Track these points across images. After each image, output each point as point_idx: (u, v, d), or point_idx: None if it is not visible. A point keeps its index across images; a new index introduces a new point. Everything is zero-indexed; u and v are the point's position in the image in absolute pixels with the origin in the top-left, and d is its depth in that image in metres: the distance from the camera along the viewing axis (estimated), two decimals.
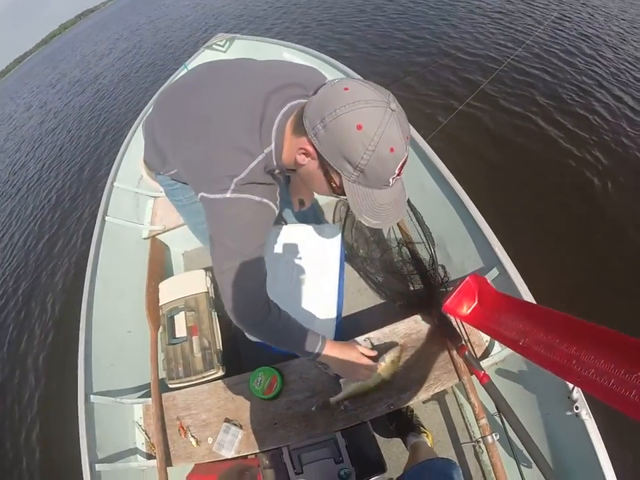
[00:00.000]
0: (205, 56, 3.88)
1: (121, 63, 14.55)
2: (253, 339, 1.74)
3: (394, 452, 1.94)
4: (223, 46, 3.89)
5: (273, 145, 1.02)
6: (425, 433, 1.82)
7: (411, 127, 2.09)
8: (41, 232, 5.88)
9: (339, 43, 7.08)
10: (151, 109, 1.37)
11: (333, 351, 1.33)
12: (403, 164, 0.89)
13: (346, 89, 0.83)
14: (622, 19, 5.82)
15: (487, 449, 1.51)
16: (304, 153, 0.95)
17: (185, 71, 3.58)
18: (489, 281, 1.27)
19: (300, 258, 1.92)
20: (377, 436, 1.62)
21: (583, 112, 4.09)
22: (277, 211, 1.11)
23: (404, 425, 1.85)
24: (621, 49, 5.08)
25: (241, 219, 1.03)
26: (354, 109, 0.81)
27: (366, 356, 1.47)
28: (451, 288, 1.77)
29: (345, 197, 0.94)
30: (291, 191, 1.75)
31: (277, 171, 1.12)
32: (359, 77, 0.89)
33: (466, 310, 1.36)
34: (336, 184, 0.96)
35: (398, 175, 0.90)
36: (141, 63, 12.82)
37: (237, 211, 1.02)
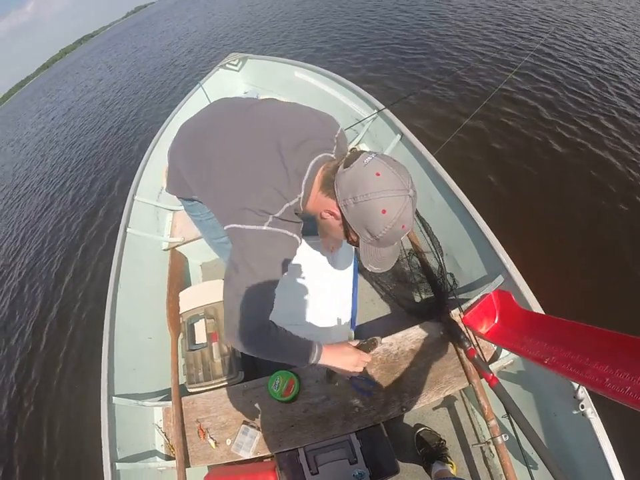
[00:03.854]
0: (219, 74, 4.05)
1: (130, 83, 14.94)
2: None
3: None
4: (236, 65, 4.04)
5: (302, 194, 1.14)
6: (450, 464, 1.84)
7: (420, 143, 2.21)
8: (70, 244, 6.05)
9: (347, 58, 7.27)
10: (175, 139, 1.42)
11: (328, 354, 1.35)
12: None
13: (377, 174, 0.97)
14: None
15: (496, 450, 1.55)
16: (330, 214, 1.11)
17: (200, 90, 3.75)
18: (512, 297, 1.31)
19: (316, 269, 2.00)
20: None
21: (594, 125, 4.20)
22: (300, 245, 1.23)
23: (432, 452, 1.88)
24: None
25: (275, 250, 1.13)
26: (382, 197, 0.96)
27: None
28: (465, 298, 1.85)
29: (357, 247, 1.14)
30: (319, 232, 1.86)
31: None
32: (382, 154, 1.01)
33: (486, 326, 1.37)
34: (352, 239, 1.13)
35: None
36: (150, 83, 13.13)
37: (273, 242, 1.11)
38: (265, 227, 1.08)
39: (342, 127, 1.33)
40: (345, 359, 1.38)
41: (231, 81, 4.23)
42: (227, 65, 4.05)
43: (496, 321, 1.34)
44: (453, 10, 7.89)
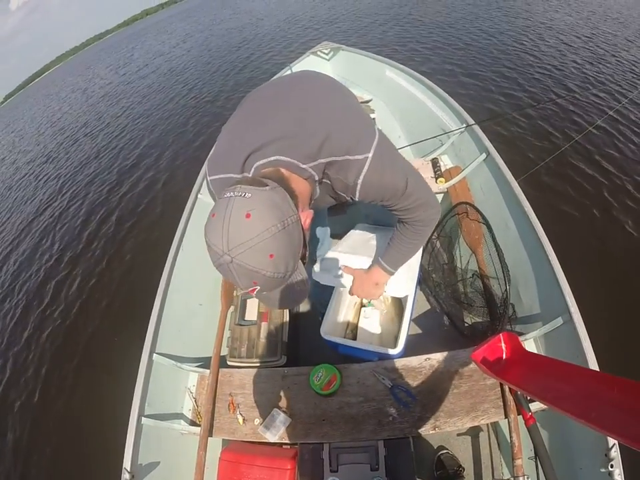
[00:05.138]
0: (309, 60, 4.12)
1: (203, 54, 15.27)
2: (328, 337, 1.85)
3: None
4: (327, 54, 4.09)
5: (250, 175, 1.00)
6: None
7: (506, 167, 2.19)
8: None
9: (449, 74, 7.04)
10: None
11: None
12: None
13: (213, 215, 0.78)
14: None
15: None
16: None
17: (289, 72, 3.81)
18: (519, 340, 1.34)
19: None
20: None
21: None
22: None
23: (448, 477, 1.87)
24: None
25: None
26: (206, 240, 0.79)
27: None
28: (520, 331, 1.85)
29: None
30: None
31: None
32: (251, 198, 0.77)
33: (492, 364, 1.41)
34: None
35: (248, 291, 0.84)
36: (222, 58, 13.31)
37: None
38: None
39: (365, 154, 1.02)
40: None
41: (320, 68, 4.19)
42: (319, 53, 4.10)
43: (503, 360, 1.37)
44: (555, 38, 7.63)
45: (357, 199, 1.12)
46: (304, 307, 2.65)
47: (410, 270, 1.92)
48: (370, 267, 1.62)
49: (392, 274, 1.52)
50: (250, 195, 0.77)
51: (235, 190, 0.79)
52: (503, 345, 1.38)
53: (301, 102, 1.05)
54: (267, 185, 0.82)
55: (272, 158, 0.96)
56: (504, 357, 1.36)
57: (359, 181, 1.04)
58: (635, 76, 5.72)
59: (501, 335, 1.35)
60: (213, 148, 1.15)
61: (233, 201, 0.76)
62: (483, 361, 1.36)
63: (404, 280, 1.80)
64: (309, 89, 1.11)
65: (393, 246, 1.43)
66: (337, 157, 1.00)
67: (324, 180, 1.09)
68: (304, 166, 0.99)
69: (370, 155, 1.01)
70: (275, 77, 3.84)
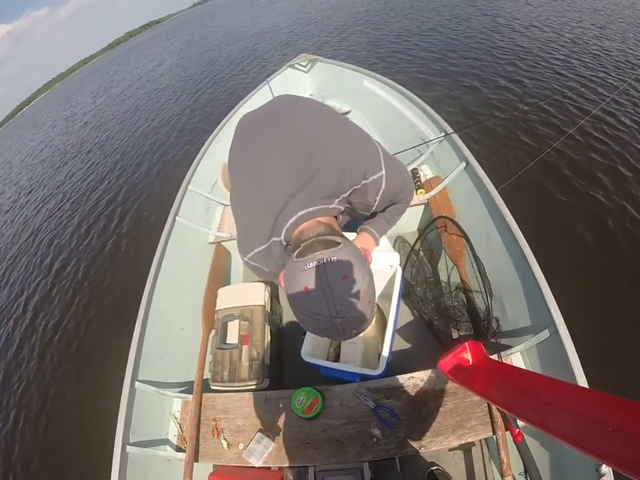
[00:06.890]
0: (287, 74, 4.12)
1: (195, 72, 15.17)
2: (309, 359, 1.82)
3: None
4: (305, 66, 4.11)
5: (282, 237, 1.00)
6: None
7: (485, 175, 2.17)
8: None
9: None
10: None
11: None
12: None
13: (306, 289, 0.79)
14: None
15: None
16: None
17: (267, 86, 3.86)
18: (484, 348, 1.34)
19: None
20: None
21: None
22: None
23: None
24: None
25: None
26: (302, 313, 0.82)
27: None
28: (507, 344, 1.84)
29: None
30: None
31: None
32: (337, 262, 0.80)
33: (458, 373, 1.40)
34: None
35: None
36: (213, 75, 13.30)
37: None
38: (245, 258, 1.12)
39: (376, 178, 1.04)
40: None
41: (299, 81, 4.26)
42: (296, 65, 4.11)
43: (469, 369, 1.36)
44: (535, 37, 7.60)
45: (371, 212, 1.19)
46: (287, 327, 2.63)
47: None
48: (357, 236, 1.49)
49: (377, 243, 1.49)
50: (335, 257, 0.80)
51: (315, 259, 0.80)
52: (469, 354, 1.37)
53: (303, 142, 1.00)
54: (339, 242, 0.85)
55: (299, 214, 0.96)
56: (470, 366, 1.36)
57: (378, 197, 1.08)
58: (617, 74, 5.62)
59: (466, 343, 1.35)
60: (236, 225, 1.12)
61: (324, 269, 0.79)
62: (450, 370, 1.35)
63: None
64: (302, 125, 1.04)
65: (382, 217, 1.40)
66: (357, 185, 1.02)
67: (346, 206, 1.11)
68: (332, 206, 1.00)
69: (383, 171, 1.04)
70: (253, 96, 3.85)
